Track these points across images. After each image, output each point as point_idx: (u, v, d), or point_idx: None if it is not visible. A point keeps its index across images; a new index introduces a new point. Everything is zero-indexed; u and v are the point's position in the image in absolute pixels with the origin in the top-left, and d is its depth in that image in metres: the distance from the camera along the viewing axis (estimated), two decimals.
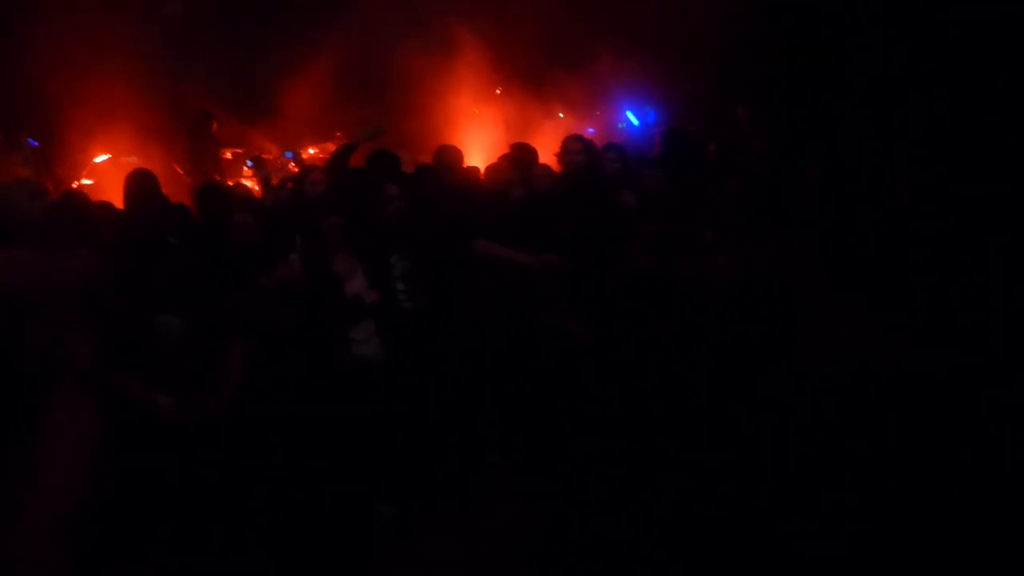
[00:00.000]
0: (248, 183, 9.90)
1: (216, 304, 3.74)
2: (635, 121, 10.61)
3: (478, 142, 9.18)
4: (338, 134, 11.46)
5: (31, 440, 3.12)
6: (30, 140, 9.87)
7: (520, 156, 5.50)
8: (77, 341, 3.30)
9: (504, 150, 6.09)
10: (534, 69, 11.25)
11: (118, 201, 5.27)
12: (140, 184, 5.20)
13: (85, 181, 9.62)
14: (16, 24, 9.54)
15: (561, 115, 11.45)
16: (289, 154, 8.57)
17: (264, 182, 6.67)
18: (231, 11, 12.05)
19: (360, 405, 4.08)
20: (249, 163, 10.66)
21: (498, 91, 10.94)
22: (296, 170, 8.59)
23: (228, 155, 10.97)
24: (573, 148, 5.21)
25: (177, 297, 3.63)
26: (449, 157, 5.47)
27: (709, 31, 9.83)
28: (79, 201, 5.07)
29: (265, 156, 11.20)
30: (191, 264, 3.71)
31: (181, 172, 10.01)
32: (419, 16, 11.40)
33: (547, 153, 6.08)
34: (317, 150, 11.33)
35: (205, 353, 3.66)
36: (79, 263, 3.49)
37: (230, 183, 9.45)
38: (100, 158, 10.01)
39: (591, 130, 11.22)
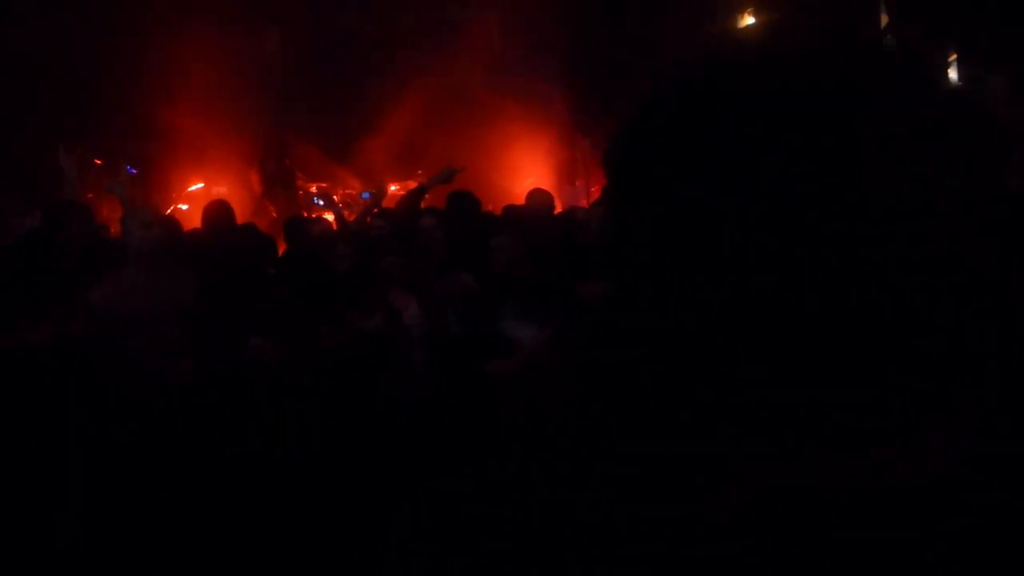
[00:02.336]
0: (329, 216, 10.19)
1: (305, 333, 3.83)
2: None
3: (558, 185, 9.28)
4: (420, 172, 11.71)
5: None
6: (128, 167, 10.29)
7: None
8: (176, 357, 3.46)
9: (583, 193, 6.11)
10: (612, 113, 11.31)
11: None
12: (219, 215, 5.38)
13: (181, 206, 10.02)
14: (120, 56, 10.04)
15: None
16: (366, 195, 8.79)
17: (338, 217, 6.81)
18: (324, 49, 12.50)
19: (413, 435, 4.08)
20: (318, 200, 10.98)
21: (582, 137, 11.04)
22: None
23: (313, 189, 11.30)
24: None
25: (269, 324, 3.74)
26: (539, 200, 5.44)
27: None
28: (174, 227, 5.27)
29: (348, 191, 11.52)
30: (286, 294, 3.82)
31: (266, 203, 10.35)
32: (506, 63, 11.63)
33: None
34: (399, 187, 11.59)
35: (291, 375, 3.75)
36: (183, 287, 3.67)
37: (312, 215, 9.74)
38: (194, 187, 10.44)
39: None
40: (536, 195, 5.38)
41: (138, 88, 10.16)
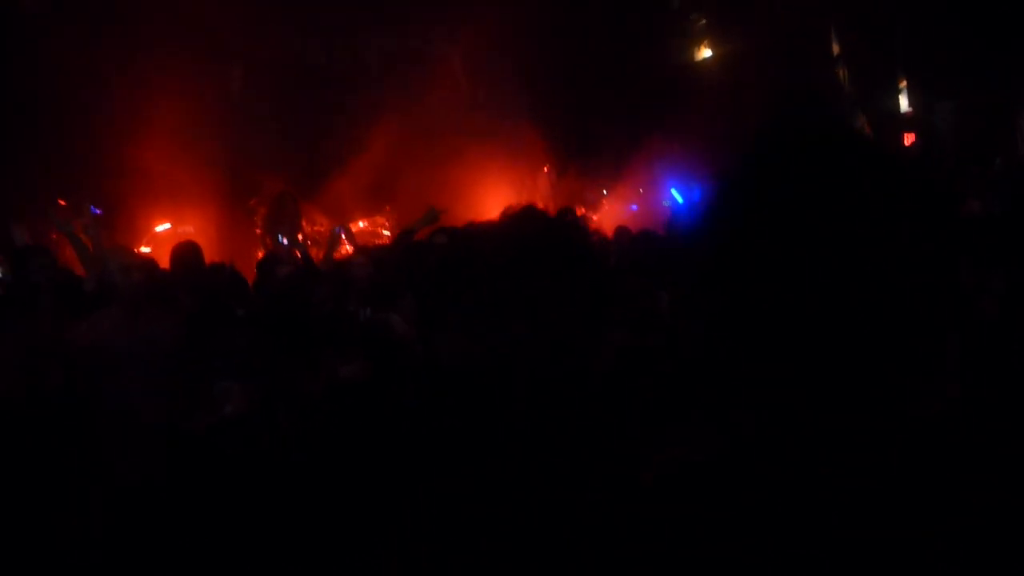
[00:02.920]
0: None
1: (273, 375, 3.83)
2: (679, 199, 10.72)
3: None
4: (387, 208, 11.76)
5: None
6: (92, 208, 10.20)
7: None
8: (152, 396, 3.51)
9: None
10: (581, 147, 11.50)
11: None
12: (189, 256, 5.38)
13: (144, 249, 9.94)
14: (81, 95, 10.01)
15: (605, 192, 11.64)
16: (339, 229, 8.84)
17: (303, 255, 6.84)
18: (288, 86, 12.57)
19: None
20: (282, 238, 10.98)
21: (546, 169, 11.18)
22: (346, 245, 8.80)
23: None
24: None
25: (238, 365, 3.74)
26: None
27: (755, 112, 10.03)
28: (153, 269, 5.25)
29: (316, 228, 11.51)
30: (255, 335, 3.83)
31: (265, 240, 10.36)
32: (470, 95, 11.79)
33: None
34: (367, 223, 11.62)
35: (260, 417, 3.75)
36: (162, 328, 3.71)
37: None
38: (161, 227, 10.38)
39: (634, 207, 11.37)
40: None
41: (101, 127, 10.12)
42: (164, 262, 6.23)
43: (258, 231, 10.46)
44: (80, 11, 10.36)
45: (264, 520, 3.60)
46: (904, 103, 9.64)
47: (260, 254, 9.91)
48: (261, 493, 3.62)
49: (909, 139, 9.52)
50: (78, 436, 3.62)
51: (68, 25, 10.24)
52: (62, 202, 9.75)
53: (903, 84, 9.62)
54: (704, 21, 11.60)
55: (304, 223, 11.73)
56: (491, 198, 10.82)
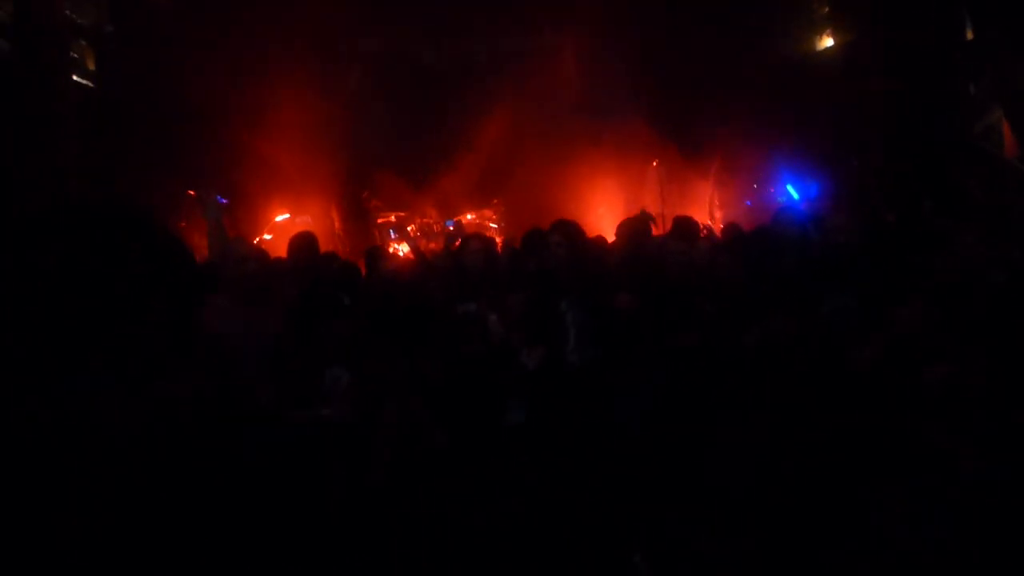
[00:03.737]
0: (403, 247, 10.43)
1: (381, 362, 3.92)
2: (795, 195, 10.35)
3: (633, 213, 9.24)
4: (495, 201, 11.87)
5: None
6: (219, 198, 10.71)
7: (686, 230, 5.45)
8: (263, 385, 3.62)
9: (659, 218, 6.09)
10: (690, 141, 11.26)
11: None
12: (304, 246, 5.57)
13: (266, 236, 10.41)
14: (209, 90, 10.53)
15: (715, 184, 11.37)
16: (450, 223, 8.99)
17: (413, 248, 6.94)
18: (402, 83, 12.86)
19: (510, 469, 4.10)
20: (393, 232, 11.19)
21: (655, 163, 11.01)
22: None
23: (392, 219, 11.57)
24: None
25: (345, 353, 3.84)
26: (638, 227, 5.44)
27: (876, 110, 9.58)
28: (265, 260, 5.47)
29: (426, 220, 11.76)
30: (361, 323, 3.94)
31: (339, 232, 10.67)
32: (581, 93, 11.73)
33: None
34: (475, 216, 11.77)
35: (368, 405, 3.84)
36: (270, 317, 3.84)
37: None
38: (280, 217, 10.84)
39: (748, 203, 11.05)
40: (631, 224, 5.38)
41: (228, 121, 10.63)
42: (282, 250, 6.53)
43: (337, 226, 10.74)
44: (211, 10, 10.89)
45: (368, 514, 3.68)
46: None
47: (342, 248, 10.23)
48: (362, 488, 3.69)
49: None
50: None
51: (197, 24, 10.80)
52: (191, 192, 10.31)
53: None
54: (827, 9, 11.13)
55: (416, 216, 12.02)
56: (599, 194, 10.76)
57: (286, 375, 3.75)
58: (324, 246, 6.52)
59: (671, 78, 11.78)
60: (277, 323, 3.85)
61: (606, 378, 4.29)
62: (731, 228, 6.39)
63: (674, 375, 4.22)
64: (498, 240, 7.55)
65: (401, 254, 9.73)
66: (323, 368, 3.83)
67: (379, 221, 11.90)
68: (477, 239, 5.37)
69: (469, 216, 11.50)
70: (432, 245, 9.39)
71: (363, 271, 5.63)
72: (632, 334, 4.41)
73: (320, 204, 11.04)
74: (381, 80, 12.79)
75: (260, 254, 5.39)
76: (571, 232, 4.88)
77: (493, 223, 11.61)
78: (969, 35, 9.60)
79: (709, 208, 11.24)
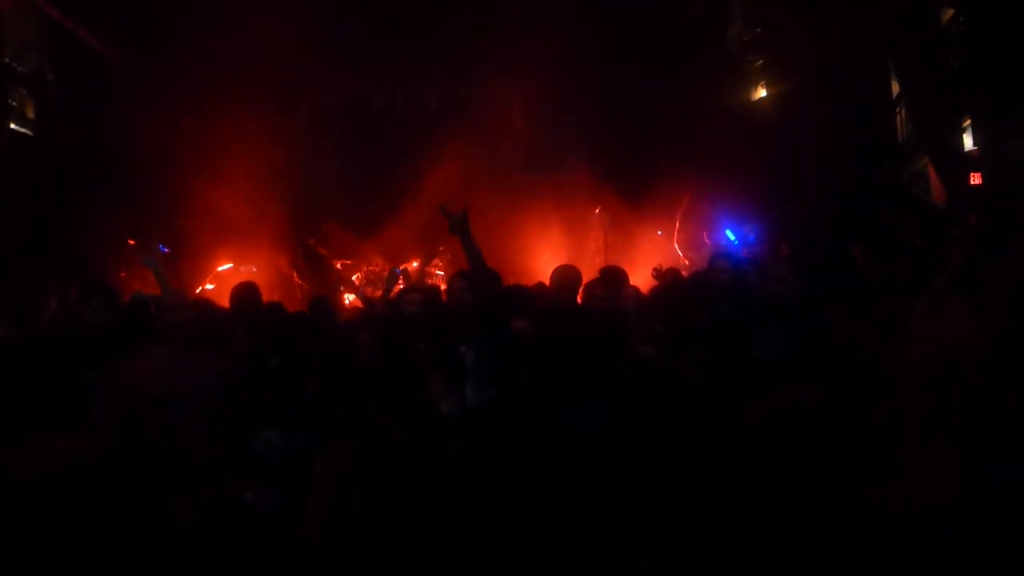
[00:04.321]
0: (350, 296, 10.39)
1: (313, 423, 3.89)
2: (733, 239, 10.61)
3: (577, 259, 9.36)
4: (442, 248, 11.92)
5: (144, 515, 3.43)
6: (161, 246, 10.60)
7: (611, 277, 5.54)
8: (197, 439, 3.60)
9: (602, 265, 6.18)
10: (634, 188, 11.50)
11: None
12: (244, 296, 5.49)
13: (208, 286, 10.28)
14: (151, 139, 10.47)
15: (660, 232, 11.60)
16: (398, 271, 9.02)
17: (360, 297, 6.96)
18: (349, 131, 12.94)
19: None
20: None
21: (597, 210, 11.21)
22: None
23: (338, 266, 11.53)
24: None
25: (276, 414, 3.81)
26: (567, 278, 5.46)
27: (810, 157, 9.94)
28: (210, 308, 5.39)
29: (372, 268, 11.74)
30: (292, 385, 3.92)
31: (297, 281, 10.60)
32: (528, 140, 11.94)
33: (644, 269, 6.13)
34: (420, 263, 11.79)
35: (299, 467, 3.81)
36: (209, 369, 3.82)
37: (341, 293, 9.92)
38: (223, 267, 10.73)
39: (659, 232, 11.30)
40: (564, 271, 5.42)
41: (170, 169, 10.56)
42: (225, 300, 6.46)
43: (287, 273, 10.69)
44: (155, 59, 10.87)
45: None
46: (969, 142, 9.38)
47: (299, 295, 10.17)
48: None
49: (975, 179, 9.25)
50: (134, 472, 3.73)
51: (141, 72, 10.78)
52: (131, 241, 10.18)
53: (967, 123, 9.36)
54: (761, 61, 11.56)
55: (362, 263, 12.00)
56: (544, 240, 10.88)
57: (218, 436, 3.72)
58: (268, 296, 6.47)
59: (614, 127, 12.07)
60: (211, 374, 3.82)
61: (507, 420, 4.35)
62: (669, 272, 6.53)
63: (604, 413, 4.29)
64: (442, 288, 7.57)
65: (347, 303, 9.70)
66: (255, 431, 3.80)
67: (337, 267, 11.83)
68: (416, 289, 5.42)
69: (415, 264, 11.53)
70: (377, 293, 9.37)
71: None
72: (539, 368, 4.48)
73: (265, 253, 10.96)
74: (329, 127, 12.86)
75: (202, 304, 5.34)
76: (476, 277, 4.92)
77: (440, 270, 11.64)
78: (895, 87, 10.06)
79: (680, 249, 11.42)
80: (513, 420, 4.36)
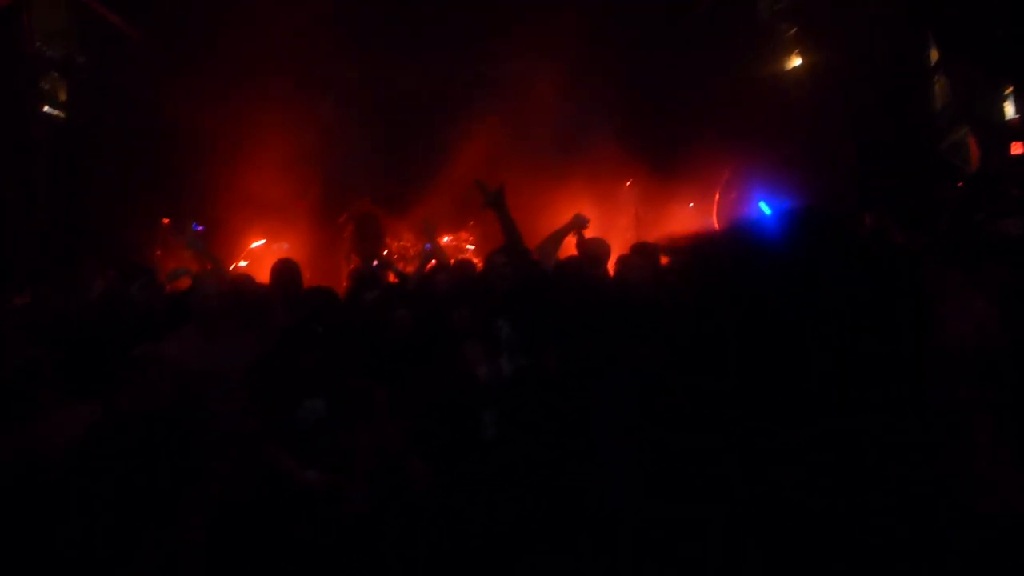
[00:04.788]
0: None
1: (355, 391, 3.92)
2: (767, 211, 10.47)
3: (607, 234, 9.30)
4: (471, 223, 11.92)
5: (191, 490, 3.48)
6: (195, 225, 10.70)
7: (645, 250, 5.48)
8: (239, 416, 3.61)
9: (633, 240, 6.09)
10: (664, 161, 11.37)
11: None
12: (284, 272, 5.53)
13: (242, 263, 10.38)
14: (186, 120, 10.54)
15: (691, 205, 11.48)
16: (428, 246, 9.03)
17: (395, 272, 6.97)
18: (377, 108, 12.92)
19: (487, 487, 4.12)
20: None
21: (628, 183, 11.11)
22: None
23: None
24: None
25: (320, 383, 3.84)
26: (598, 250, 5.43)
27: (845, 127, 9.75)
28: (249, 286, 5.40)
29: (403, 243, 11.77)
30: (333, 353, 3.94)
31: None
32: (557, 115, 11.83)
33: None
34: (451, 238, 11.80)
35: (344, 435, 3.84)
36: (244, 348, 3.84)
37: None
38: (256, 243, 10.81)
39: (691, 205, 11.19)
40: (593, 243, 5.38)
41: (205, 150, 10.63)
42: (259, 276, 6.50)
43: (347, 248, 10.76)
44: (183, 40, 10.91)
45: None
46: (1010, 111, 9.15)
47: (348, 270, 10.21)
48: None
49: (1017, 148, 9.04)
50: (178, 451, 3.76)
51: (170, 54, 10.82)
52: (165, 220, 10.30)
53: (1008, 91, 9.13)
54: (794, 30, 11.34)
55: (391, 239, 12.03)
56: (572, 212, 10.80)
57: (266, 405, 3.75)
58: (309, 271, 6.49)
59: (644, 100, 11.93)
60: (247, 354, 3.84)
61: (575, 391, 4.35)
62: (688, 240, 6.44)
63: (647, 388, 4.27)
64: (477, 262, 7.58)
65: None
66: (299, 399, 3.83)
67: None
68: (443, 270, 5.44)
69: (446, 239, 11.54)
70: (409, 269, 9.39)
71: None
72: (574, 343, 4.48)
73: (297, 230, 11.03)
74: (358, 106, 12.84)
75: (241, 281, 5.32)
76: (513, 252, 4.91)
77: (471, 245, 11.64)
78: (934, 55, 9.82)
79: (719, 223, 11.29)
80: (542, 391, 4.40)
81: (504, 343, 4.58)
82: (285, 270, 5.47)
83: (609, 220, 10.57)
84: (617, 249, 5.57)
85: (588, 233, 5.85)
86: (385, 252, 11.36)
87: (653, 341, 4.34)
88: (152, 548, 3.49)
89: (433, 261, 6.23)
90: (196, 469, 3.70)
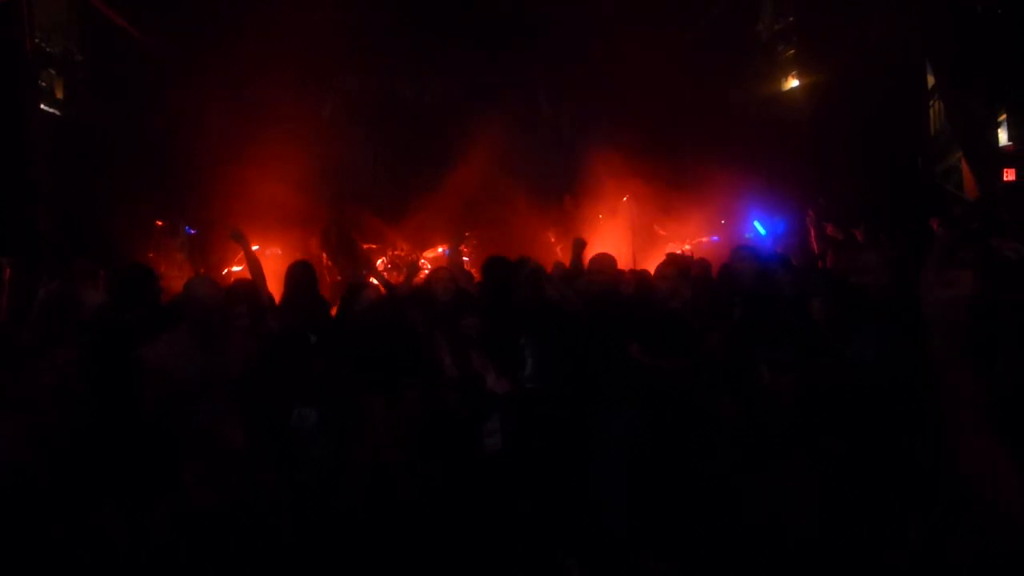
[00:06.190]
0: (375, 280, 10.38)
1: (348, 400, 3.88)
2: (762, 231, 10.50)
3: (603, 246, 9.31)
4: (467, 234, 11.92)
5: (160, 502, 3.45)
6: (187, 228, 10.64)
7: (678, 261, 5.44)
8: (227, 422, 3.57)
9: (629, 255, 6.11)
10: (662, 177, 11.41)
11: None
12: (300, 277, 5.35)
13: (235, 268, 10.31)
14: (181, 123, 10.50)
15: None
16: (421, 260, 9.06)
17: (381, 281, 6.95)
18: (377, 118, 12.93)
19: (487, 494, 4.09)
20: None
21: (625, 198, 11.13)
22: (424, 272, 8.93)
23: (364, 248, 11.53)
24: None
25: (313, 391, 3.81)
26: (604, 263, 5.41)
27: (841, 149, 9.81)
28: (247, 289, 5.31)
29: (397, 253, 11.75)
30: (328, 363, 3.91)
31: (327, 263, 10.61)
32: (554, 130, 11.88)
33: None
34: (445, 248, 11.78)
35: (336, 444, 3.81)
36: (236, 354, 3.79)
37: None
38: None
39: (715, 238, 11.20)
40: (600, 259, 5.35)
41: (200, 154, 10.58)
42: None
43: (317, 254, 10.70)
44: (183, 40, 10.88)
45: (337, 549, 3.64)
46: (1004, 137, 9.24)
47: (328, 278, 10.17)
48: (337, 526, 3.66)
49: (1009, 175, 9.13)
50: (162, 455, 3.69)
51: (169, 53, 10.78)
52: (159, 222, 10.23)
53: (1003, 118, 9.22)
54: (792, 51, 11.42)
55: (387, 248, 12.01)
56: (570, 228, 10.83)
57: (255, 414, 3.72)
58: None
59: (643, 117, 11.98)
60: (237, 362, 3.79)
61: (583, 401, 4.33)
62: (701, 264, 6.44)
63: (658, 399, 4.23)
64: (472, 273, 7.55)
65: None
66: (291, 407, 3.80)
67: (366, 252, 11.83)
68: (444, 269, 5.43)
69: (440, 249, 11.52)
70: (400, 278, 9.38)
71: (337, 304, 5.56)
72: (598, 357, 4.46)
73: (292, 235, 10.98)
74: (357, 113, 12.85)
75: (240, 286, 5.21)
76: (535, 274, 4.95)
77: (465, 256, 11.63)
78: (930, 80, 9.90)
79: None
80: (551, 410, 4.38)
81: (527, 360, 4.62)
82: (301, 274, 5.36)
83: (605, 233, 10.58)
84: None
85: (589, 246, 5.89)
86: (380, 262, 11.34)
87: (678, 353, 4.30)
88: (124, 551, 3.45)
89: (423, 272, 6.23)
90: (171, 476, 3.62)
